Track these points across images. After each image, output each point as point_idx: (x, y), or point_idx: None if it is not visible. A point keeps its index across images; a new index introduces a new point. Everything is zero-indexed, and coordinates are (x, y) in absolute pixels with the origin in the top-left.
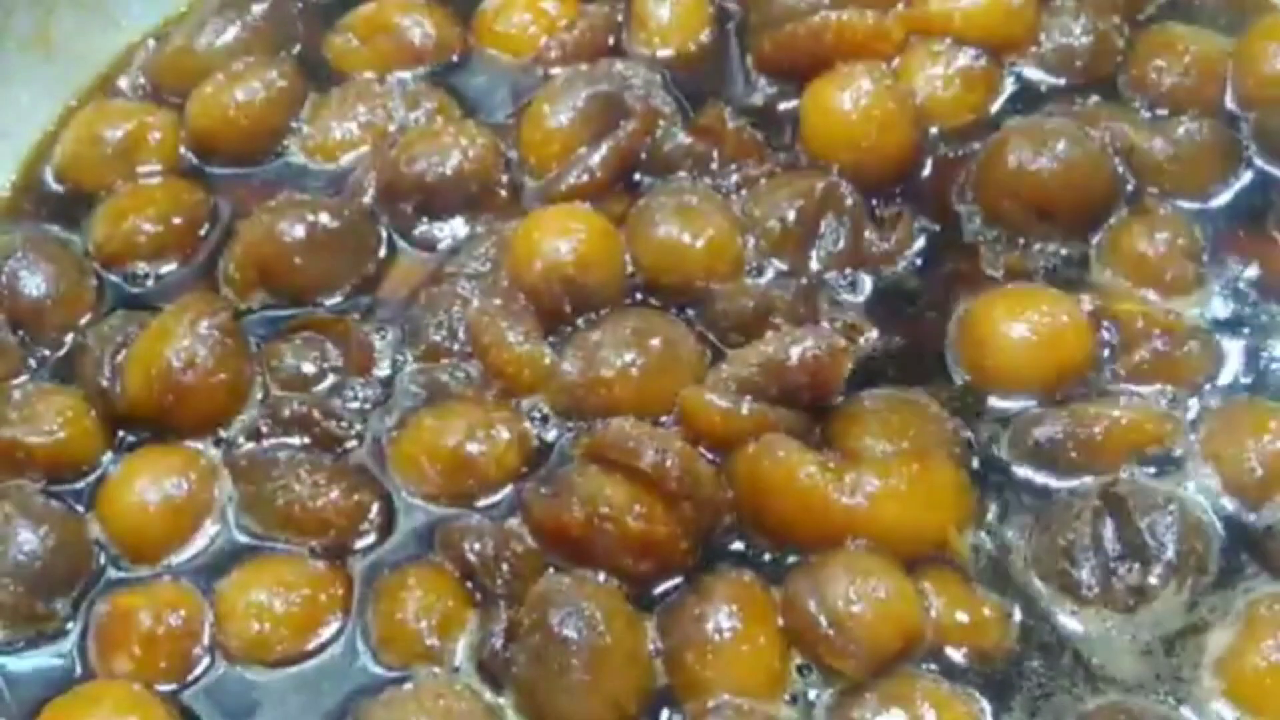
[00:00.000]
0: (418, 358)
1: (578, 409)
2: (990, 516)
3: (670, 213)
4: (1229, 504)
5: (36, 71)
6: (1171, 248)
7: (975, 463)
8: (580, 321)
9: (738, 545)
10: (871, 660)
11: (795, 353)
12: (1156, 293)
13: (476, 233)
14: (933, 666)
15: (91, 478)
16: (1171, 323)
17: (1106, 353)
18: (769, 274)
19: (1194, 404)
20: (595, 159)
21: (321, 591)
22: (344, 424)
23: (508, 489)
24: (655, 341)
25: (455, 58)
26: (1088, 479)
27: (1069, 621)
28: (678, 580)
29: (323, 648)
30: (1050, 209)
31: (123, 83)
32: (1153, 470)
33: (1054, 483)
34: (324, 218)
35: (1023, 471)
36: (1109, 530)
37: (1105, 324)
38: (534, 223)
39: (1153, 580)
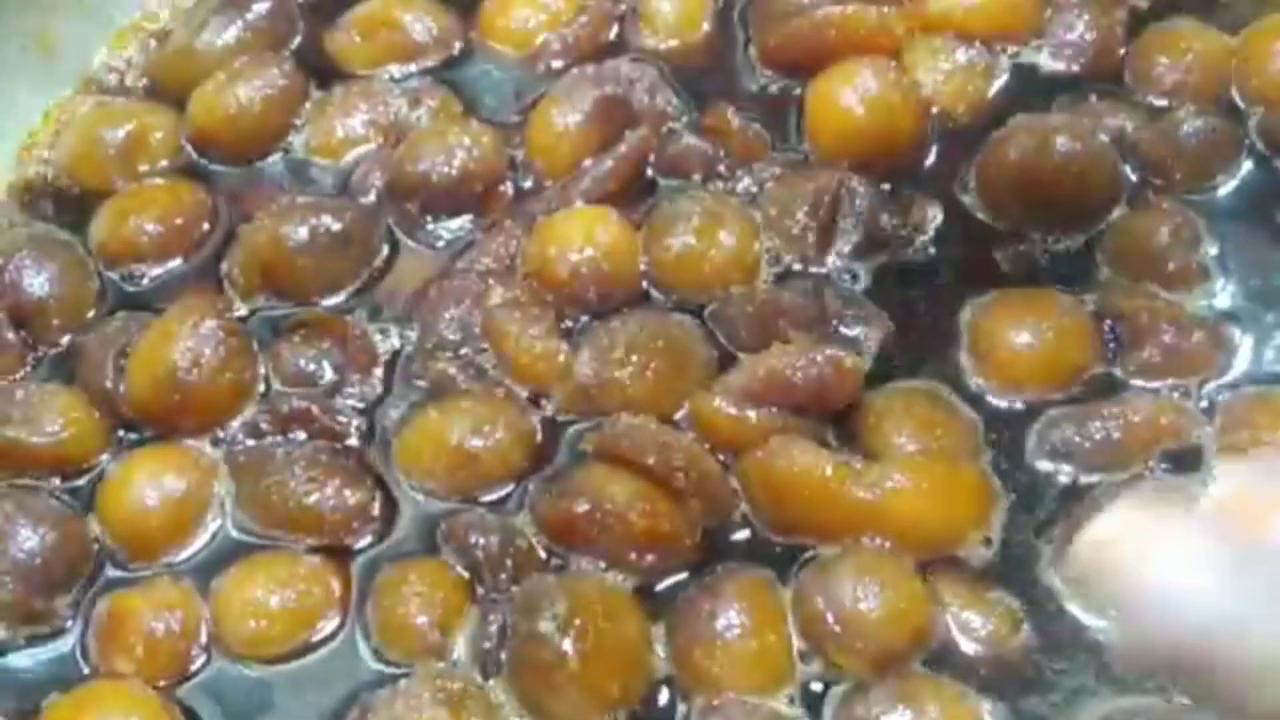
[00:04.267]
0: (424, 352)
1: (591, 407)
2: (1009, 515)
3: (686, 222)
4: None
5: (36, 71)
6: (1175, 241)
7: (994, 461)
8: (595, 322)
9: (746, 542)
10: (879, 658)
11: (800, 374)
12: (1160, 287)
13: (482, 233)
14: (943, 666)
15: (91, 477)
16: (1177, 316)
17: (1114, 350)
18: (785, 275)
19: (1206, 397)
20: (604, 170)
21: (320, 587)
22: (343, 420)
23: (511, 485)
24: (669, 344)
25: (457, 53)
26: (1108, 476)
27: (1091, 620)
28: (684, 575)
29: (322, 643)
30: (1053, 204)
31: (124, 82)
32: (1171, 465)
33: (1074, 481)
34: (327, 219)
35: (1043, 470)
36: None
37: (1111, 321)
38: (556, 222)
39: None
